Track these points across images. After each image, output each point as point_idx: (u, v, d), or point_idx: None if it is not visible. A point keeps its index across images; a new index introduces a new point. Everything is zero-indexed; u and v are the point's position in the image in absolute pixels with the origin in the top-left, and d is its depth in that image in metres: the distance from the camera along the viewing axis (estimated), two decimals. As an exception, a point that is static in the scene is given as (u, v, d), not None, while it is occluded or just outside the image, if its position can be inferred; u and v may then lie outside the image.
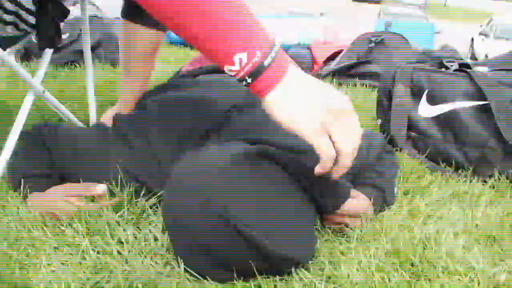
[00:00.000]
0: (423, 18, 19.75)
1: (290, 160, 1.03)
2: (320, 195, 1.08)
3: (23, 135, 1.39)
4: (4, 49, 1.46)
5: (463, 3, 45.60)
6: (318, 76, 3.64)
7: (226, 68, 0.90)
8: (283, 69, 0.91)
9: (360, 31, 4.24)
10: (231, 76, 0.91)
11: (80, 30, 1.93)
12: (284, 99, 0.91)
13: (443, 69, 1.99)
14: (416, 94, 1.98)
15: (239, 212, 0.89)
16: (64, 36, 3.38)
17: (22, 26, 1.40)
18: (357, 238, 1.18)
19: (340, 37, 5.67)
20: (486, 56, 11.77)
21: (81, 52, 2.04)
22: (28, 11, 1.36)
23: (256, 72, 0.88)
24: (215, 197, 0.90)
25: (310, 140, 0.91)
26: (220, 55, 0.89)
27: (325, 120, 0.91)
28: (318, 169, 0.95)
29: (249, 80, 0.89)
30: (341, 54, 3.86)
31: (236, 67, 0.88)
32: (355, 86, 3.36)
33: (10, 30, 1.39)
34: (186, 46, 6.26)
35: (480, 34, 14.26)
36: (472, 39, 15.21)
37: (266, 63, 0.88)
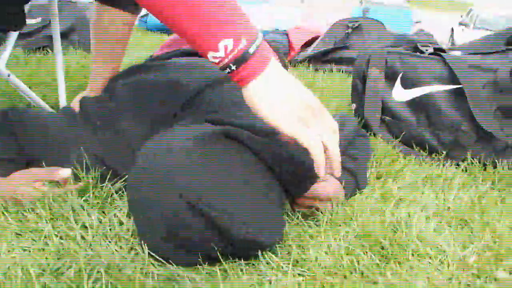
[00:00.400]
0: (405, 8, 19.78)
1: (256, 141, 1.01)
2: (288, 177, 1.06)
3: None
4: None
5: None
6: (295, 61, 3.63)
7: (210, 54, 0.87)
8: (266, 59, 0.90)
9: (338, 18, 4.23)
10: (213, 64, 0.89)
11: (52, 15, 1.89)
12: (266, 89, 0.90)
13: (418, 53, 1.97)
14: (390, 77, 1.98)
15: (200, 192, 0.87)
16: (36, 21, 3.34)
17: None
18: (327, 222, 1.17)
19: (319, 24, 5.65)
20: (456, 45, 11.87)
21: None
22: None
23: (241, 59, 0.87)
24: (177, 177, 0.88)
25: (289, 131, 0.90)
26: (205, 41, 0.87)
27: (303, 115, 0.91)
28: (318, 169, 0.92)
29: (233, 67, 0.87)
30: (318, 39, 3.85)
31: (221, 53, 0.86)
32: (331, 71, 3.35)
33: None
34: (164, 33, 6.21)
35: (460, 24, 14.31)
36: (452, 29, 15.27)
37: (251, 50, 0.87)
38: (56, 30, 1.88)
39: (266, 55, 0.91)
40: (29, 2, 1.47)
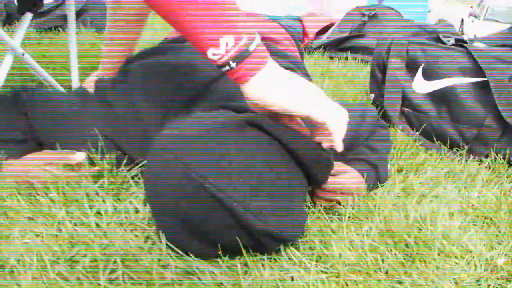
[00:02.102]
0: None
1: (279, 129, 0.97)
2: (311, 165, 1.02)
3: (0, 98, 1.32)
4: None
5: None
6: (309, 48, 3.58)
7: (210, 51, 0.87)
8: (265, 56, 0.92)
9: (349, 4, 4.18)
10: (212, 61, 0.89)
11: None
12: (271, 81, 0.91)
13: (440, 44, 1.92)
14: (411, 68, 1.93)
15: (220, 182, 0.83)
16: (49, 0, 3.31)
17: None
18: (349, 216, 1.13)
19: (325, 9, 5.60)
20: (475, 36, 11.78)
21: (66, 17, 1.98)
22: None
23: (242, 56, 0.87)
24: (196, 165, 0.84)
25: (307, 112, 0.91)
26: (207, 37, 0.86)
27: (312, 98, 0.93)
28: (337, 146, 0.96)
29: (233, 65, 0.88)
30: (333, 27, 3.80)
31: (222, 50, 0.86)
32: (347, 60, 3.30)
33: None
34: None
35: (470, 15, 14.20)
36: (462, 20, 15.17)
37: (251, 48, 0.88)
38: (71, 10, 1.84)
39: (264, 54, 0.92)
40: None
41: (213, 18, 0.85)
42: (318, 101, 0.94)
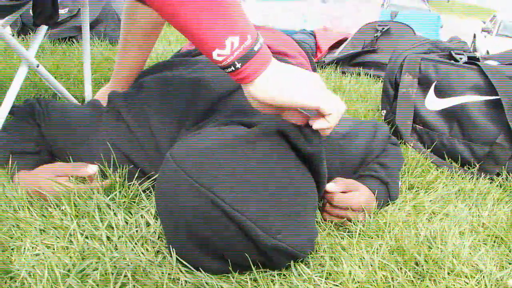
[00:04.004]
0: (427, 11, 19.70)
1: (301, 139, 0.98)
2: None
3: (14, 109, 1.33)
4: (-1, 18, 1.41)
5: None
6: (322, 63, 3.58)
7: (215, 52, 0.87)
8: (269, 55, 0.93)
9: (362, 20, 4.17)
10: (216, 62, 0.89)
11: (80, 6, 1.87)
12: (277, 77, 0.92)
13: (452, 61, 1.92)
14: (423, 85, 1.93)
15: (232, 198, 0.84)
16: (63, 11, 3.33)
17: None
18: (359, 233, 1.13)
19: (339, 24, 5.60)
20: (487, 52, 11.74)
21: (80, 28, 2.00)
22: None
23: (247, 57, 0.88)
24: (208, 181, 0.84)
25: (316, 102, 0.92)
26: (212, 38, 0.87)
27: (314, 88, 0.93)
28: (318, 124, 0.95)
29: (238, 65, 0.88)
30: (346, 42, 3.80)
31: (227, 51, 0.86)
32: (359, 75, 3.30)
33: (4, 0, 1.33)
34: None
35: (483, 30, 14.16)
36: (474, 35, 15.15)
37: (256, 48, 0.89)
38: (85, 22, 1.85)
39: (268, 53, 0.92)
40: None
41: (218, 19, 0.85)
42: (319, 89, 0.94)
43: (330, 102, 0.93)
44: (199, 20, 0.85)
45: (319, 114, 0.95)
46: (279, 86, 0.91)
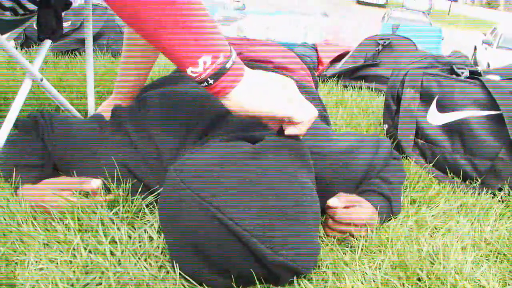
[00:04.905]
0: (428, 24, 19.78)
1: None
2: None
3: (18, 123, 1.34)
4: (3, 33, 1.41)
5: (466, 12, 46.08)
6: (324, 76, 3.59)
7: (189, 70, 0.93)
8: (241, 70, 0.99)
9: (363, 33, 4.18)
10: (191, 77, 0.95)
11: (83, 19, 1.88)
12: (249, 90, 0.98)
13: (454, 76, 1.93)
14: (425, 99, 1.93)
15: (236, 214, 0.84)
16: (66, 24, 3.34)
17: (21, 11, 1.35)
18: (362, 249, 1.13)
19: (340, 37, 5.61)
20: (488, 64, 11.77)
21: (82, 41, 2.02)
22: None
23: (219, 74, 0.94)
24: (211, 197, 0.85)
25: (284, 112, 0.99)
26: (185, 58, 0.93)
27: (286, 96, 1.00)
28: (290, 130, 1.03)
29: (210, 81, 0.95)
30: (348, 55, 3.81)
31: (200, 69, 0.93)
32: (361, 89, 3.30)
33: (9, 15, 1.34)
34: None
35: (484, 42, 14.20)
36: (475, 48, 15.19)
37: (228, 65, 0.95)
38: (89, 34, 1.86)
39: (240, 68, 0.99)
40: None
41: (191, 39, 0.90)
42: (291, 97, 1.00)
43: (299, 112, 1.00)
44: (174, 41, 0.90)
45: (291, 122, 1.01)
46: (249, 99, 0.98)
